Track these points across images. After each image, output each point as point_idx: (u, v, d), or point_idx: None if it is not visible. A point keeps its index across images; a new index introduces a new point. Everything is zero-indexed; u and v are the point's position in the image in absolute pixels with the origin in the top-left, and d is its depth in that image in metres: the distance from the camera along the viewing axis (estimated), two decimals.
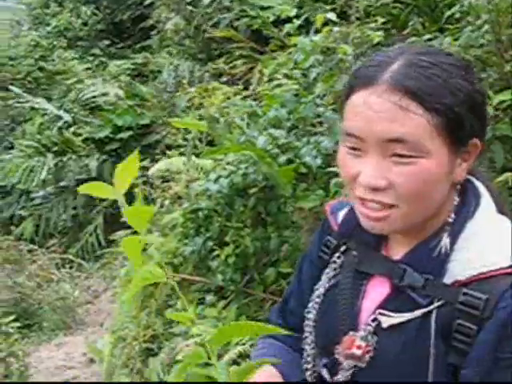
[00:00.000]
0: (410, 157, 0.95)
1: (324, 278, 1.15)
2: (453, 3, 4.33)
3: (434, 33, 3.68)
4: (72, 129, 8.24)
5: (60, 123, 8.42)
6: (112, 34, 10.93)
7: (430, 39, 3.52)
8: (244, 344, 3.26)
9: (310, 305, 1.14)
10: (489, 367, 0.93)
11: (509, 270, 0.95)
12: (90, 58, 10.37)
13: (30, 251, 6.60)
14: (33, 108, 9.05)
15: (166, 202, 4.12)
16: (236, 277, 3.44)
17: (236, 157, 3.47)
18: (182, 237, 3.71)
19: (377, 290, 1.06)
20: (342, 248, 1.14)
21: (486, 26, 2.90)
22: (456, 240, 1.01)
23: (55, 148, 7.90)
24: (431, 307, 0.98)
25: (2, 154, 9.11)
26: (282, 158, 2.97)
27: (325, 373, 1.10)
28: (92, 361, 5.00)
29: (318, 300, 1.14)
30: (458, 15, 3.79)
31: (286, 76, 3.41)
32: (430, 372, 0.96)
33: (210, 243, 3.49)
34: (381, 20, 3.47)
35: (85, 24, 10.85)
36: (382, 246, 1.10)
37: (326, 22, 3.42)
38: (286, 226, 3.36)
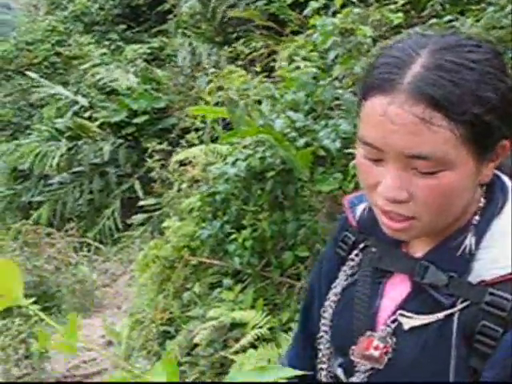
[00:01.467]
0: (433, 172, 0.88)
1: (341, 275, 1.11)
2: None
3: (455, 14, 3.62)
4: (88, 113, 8.27)
5: (76, 108, 8.45)
6: (128, 19, 10.90)
7: (450, 20, 3.46)
8: (261, 327, 3.27)
9: (327, 303, 1.11)
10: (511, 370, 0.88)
11: None
12: (107, 43, 10.36)
13: (48, 235, 6.65)
14: (50, 93, 9.10)
15: (184, 186, 4.13)
16: (253, 260, 3.45)
17: (253, 140, 3.45)
18: (199, 220, 3.72)
19: (396, 289, 1.02)
20: (361, 245, 1.10)
21: (510, 6, 2.84)
22: (482, 238, 0.95)
23: (69, 133, 7.93)
24: (455, 308, 0.93)
25: (20, 139, 9.18)
26: (300, 142, 2.94)
27: (340, 373, 1.06)
28: (110, 343, 5.04)
29: (334, 298, 1.10)
30: None
31: (304, 58, 3.38)
32: (451, 375, 0.92)
33: (228, 227, 3.49)
34: (401, 2, 3.41)
35: (101, 8, 10.84)
36: (402, 243, 1.04)
37: (345, 4, 3.37)
38: (303, 210, 3.34)
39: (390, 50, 0.93)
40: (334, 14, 4.50)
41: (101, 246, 7.09)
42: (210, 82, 4.92)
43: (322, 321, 1.11)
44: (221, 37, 7.50)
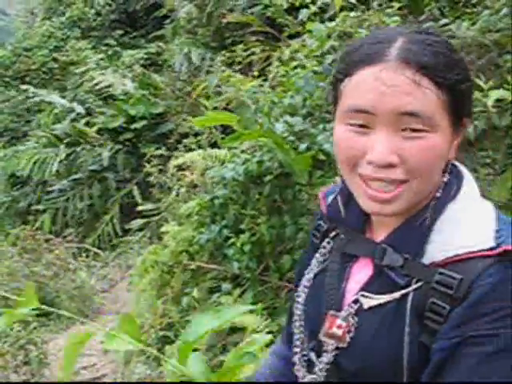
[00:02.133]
0: (422, 131, 0.94)
1: (314, 262, 1.16)
2: None
3: (452, 18, 3.64)
4: (86, 119, 8.27)
5: (72, 115, 8.46)
6: (125, 24, 10.93)
7: (446, 24, 3.47)
8: (260, 331, 3.27)
9: (300, 288, 1.16)
10: (457, 342, 0.92)
11: (487, 253, 0.94)
12: (104, 48, 10.38)
13: (46, 241, 6.65)
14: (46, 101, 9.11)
15: (182, 191, 4.13)
16: (252, 264, 3.45)
17: (251, 145, 3.46)
18: (197, 225, 3.72)
19: (361, 272, 1.07)
20: (332, 234, 1.15)
21: (505, 9, 2.85)
22: (435, 221, 1.00)
23: (68, 139, 7.94)
24: (409, 288, 0.98)
25: (17, 145, 9.18)
26: (302, 146, 2.95)
27: (312, 356, 1.10)
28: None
29: (307, 284, 1.15)
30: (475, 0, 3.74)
31: (300, 63, 3.39)
32: (405, 353, 0.97)
33: (226, 231, 3.49)
34: (397, 5, 3.43)
35: (98, 14, 10.86)
36: (366, 229, 1.10)
37: (343, 7, 3.38)
38: (301, 214, 3.35)
39: (371, 35, 1.03)
40: (330, 18, 4.51)
41: (99, 251, 7.09)
42: (218, 85, 4.91)
43: (296, 305, 1.16)
44: (217, 42, 7.51)
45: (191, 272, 3.78)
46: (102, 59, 9.75)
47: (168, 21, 9.14)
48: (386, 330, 0.99)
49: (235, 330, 3.40)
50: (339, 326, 1.04)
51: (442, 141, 0.96)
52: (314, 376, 1.09)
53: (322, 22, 4.29)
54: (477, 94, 2.86)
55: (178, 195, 4.42)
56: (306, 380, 1.11)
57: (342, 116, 1.00)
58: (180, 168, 4.22)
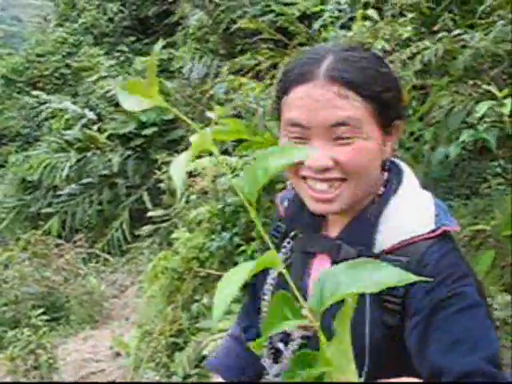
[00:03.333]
0: (351, 138, 1.06)
1: (269, 280, 1.25)
2: None
3: (465, 28, 3.63)
4: (97, 125, 8.32)
5: (84, 121, 8.51)
6: (137, 30, 10.99)
7: (459, 34, 3.47)
8: None
9: (266, 287, 1.24)
10: (428, 312, 1.02)
11: (429, 235, 1.07)
12: (116, 54, 10.44)
13: (57, 246, 6.68)
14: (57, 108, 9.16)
15: (193, 197, 4.14)
16: None
17: (262, 152, 3.46)
18: (208, 232, 3.73)
19: (320, 268, 1.16)
20: (291, 234, 1.24)
21: None
22: (381, 214, 1.12)
23: (78, 144, 7.98)
24: None
25: (29, 150, 9.24)
26: None
27: (280, 345, 1.20)
28: (118, 354, 5.05)
29: (272, 282, 1.24)
30: (488, 9, 3.73)
31: None
32: (367, 331, 1.06)
33: (237, 239, 3.50)
34: (410, 16, 3.43)
35: (111, 20, 10.93)
36: (322, 227, 1.20)
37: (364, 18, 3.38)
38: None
39: (301, 56, 1.16)
40: (342, 27, 4.51)
41: (109, 257, 7.11)
42: (229, 91, 4.92)
43: (263, 303, 1.25)
44: (227, 49, 7.54)
45: (201, 279, 3.79)
46: (113, 65, 9.81)
47: (179, 28, 9.18)
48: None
49: None
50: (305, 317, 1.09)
51: (371, 144, 1.08)
52: (281, 365, 1.19)
53: (334, 29, 4.30)
54: (491, 104, 2.85)
55: (188, 202, 4.43)
56: (273, 370, 1.22)
57: (283, 129, 1.13)
58: (191, 174, 4.23)
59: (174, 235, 4.12)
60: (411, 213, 1.12)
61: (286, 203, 1.28)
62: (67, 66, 10.74)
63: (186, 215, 4.16)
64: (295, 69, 1.12)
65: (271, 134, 3.21)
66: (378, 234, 1.11)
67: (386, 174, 1.17)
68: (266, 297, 1.25)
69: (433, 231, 1.08)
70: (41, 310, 5.29)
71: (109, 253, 7.17)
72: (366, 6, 4.41)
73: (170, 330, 3.95)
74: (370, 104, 1.07)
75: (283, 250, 1.24)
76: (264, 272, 1.25)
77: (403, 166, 1.20)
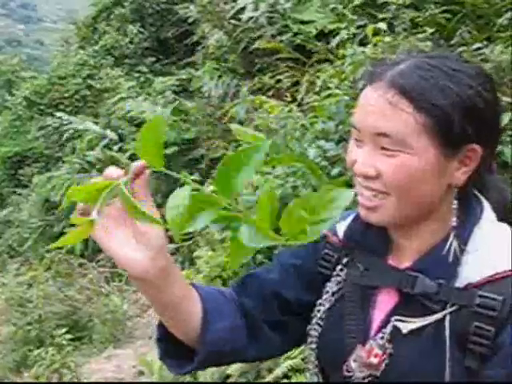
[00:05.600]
0: (394, 151, 0.98)
1: (327, 292, 1.14)
2: (500, 10, 4.27)
3: (482, 41, 3.63)
4: (118, 146, 8.41)
5: (105, 141, 8.61)
6: (157, 51, 11.14)
7: (479, 48, 3.47)
8: (295, 357, 3.25)
9: (314, 321, 1.13)
10: None
11: None
12: (136, 75, 10.58)
13: (80, 265, 6.74)
14: (79, 129, 9.29)
15: None
16: None
17: (283, 170, 3.47)
18: None
19: (386, 300, 1.07)
20: (344, 260, 1.13)
21: None
22: (466, 245, 1.02)
23: (100, 165, 8.07)
24: (445, 312, 0.98)
25: (52, 171, 9.36)
26: (334, 171, 2.96)
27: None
28: (142, 373, 5.05)
29: (322, 315, 1.13)
30: (505, 22, 3.73)
31: (336, 88, 3.41)
32: (447, 376, 0.96)
33: (260, 257, 3.50)
34: (429, 30, 3.44)
35: (131, 42, 11.10)
36: (388, 256, 1.09)
37: (376, 33, 3.40)
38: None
39: (387, 58, 1.09)
40: (360, 43, 4.53)
41: None
42: (249, 110, 4.96)
43: (309, 339, 1.13)
44: (246, 68, 7.60)
45: None
46: (133, 86, 9.94)
47: (199, 48, 9.29)
48: (426, 356, 0.99)
49: None
50: (375, 356, 1.03)
51: (418, 162, 0.97)
52: None
53: (352, 45, 4.32)
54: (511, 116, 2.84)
55: None
56: None
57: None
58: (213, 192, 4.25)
59: (196, 253, 4.13)
60: (498, 245, 1.01)
61: (338, 227, 1.16)
62: (88, 87, 10.90)
63: (208, 234, 4.17)
64: (373, 69, 1.06)
65: (292, 152, 3.23)
66: (462, 265, 1.01)
67: (455, 202, 1.04)
68: (313, 332, 1.13)
69: None
70: (64, 330, 5.32)
71: None
72: (378, 21, 4.43)
73: None
74: (424, 117, 0.96)
75: (337, 279, 1.14)
76: (320, 281, 1.16)
77: (479, 195, 1.10)
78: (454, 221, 1.03)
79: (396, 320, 1.03)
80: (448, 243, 1.02)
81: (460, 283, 0.99)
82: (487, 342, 0.95)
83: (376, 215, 1.03)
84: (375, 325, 1.06)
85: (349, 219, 1.16)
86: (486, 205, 1.08)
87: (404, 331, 1.01)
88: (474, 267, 0.99)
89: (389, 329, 1.03)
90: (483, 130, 1.01)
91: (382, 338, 1.03)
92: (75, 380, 4.55)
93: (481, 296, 0.96)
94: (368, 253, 1.10)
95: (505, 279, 0.97)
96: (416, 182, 0.99)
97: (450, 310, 0.98)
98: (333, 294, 1.13)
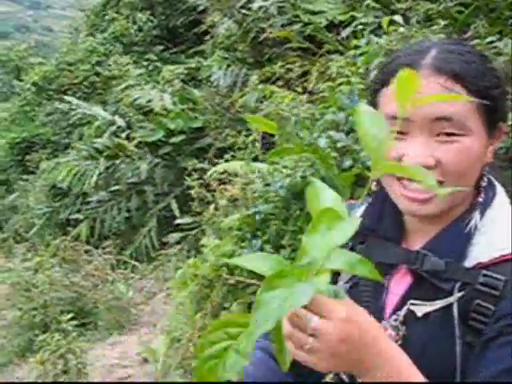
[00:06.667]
0: (456, 135, 0.99)
1: (342, 279, 1.16)
2: None
3: (495, 35, 3.61)
4: (126, 133, 8.41)
5: (113, 128, 8.61)
6: (166, 40, 11.11)
7: (492, 41, 3.44)
8: None
9: None
10: (499, 330, 0.94)
11: None
12: (145, 63, 10.55)
13: (86, 252, 6.75)
14: (88, 114, 9.30)
15: (223, 204, 4.15)
16: None
17: (293, 160, 3.46)
18: (238, 240, 3.73)
19: (399, 283, 1.09)
20: (358, 247, 1.15)
21: None
22: (477, 225, 1.04)
23: (107, 152, 8.07)
24: (457, 293, 1.00)
25: (59, 157, 9.37)
26: (346, 163, 2.95)
27: (345, 377, 1.11)
28: (146, 361, 5.06)
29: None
30: None
31: (347, 78, 3.39)
32: (458, 358, 0.98)
33: (267, 246, 3.49)
34: (442, 22, 3.42)
35: (140, 30, 11.06)
36: (401, 240, 1.12)
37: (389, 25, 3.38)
38: None
39: (406, 48, 1.10)
40: (374, 34, 4.50)
41: (137, 263, 7.15)
42: (259, 100, 4.95)
43: None
44: (256, 58, 7.57)
45: (231, 286, 3.79)
46: (141, 74, 9.92)
47: (208, 37, 9.25)
48: (437, 338, 1.01)
49: None
50: (389, 336, 1.03)
51: (476, 144, 1.01)
52: None
53: (363, 36, 4.29)
54: None
55: (217, 209, 4.45)
56: None
57: (385, 118, 1.05)
58: (221, 182, 4.25)
59: (202, 242, 4.14)
60: (508, 229, 1.03)
61: (355, 214, 1.18)
62: (97, 74, 10.88)
63: (215, 222, 4.17)
64: (397, 59, 1.06)
65: (301, 142, 3.21)
66: (472, 246, 1.03)
67: (485, 180, 1.09)
68: None
69: None
70: (70, 315, 5.34)
71: (137, 259, 7.22)
72: (393, 13, 4.41)
73: (199, 337, 3.95)
74: (477, 100, 1.00)
75: (344, 275, 1.16)
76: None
77: (493, 178, 1.13)
78: (482, 196, 1.07)
79: (411, 304, 1.04)
80: (463, 223, 1.05)
81: (469, 263, 1.02)
82: (486, 319, 0.97)
83: (429, 207, 1.03)
84: (389, 308, 1.08)
85: (361, 209, 1.19)
86: (500, 188, 1.11)
87: (419, 314, 1.03)
88: (484, 248, 1.02)
89: (403, 311, 1.05)
90: (506, 107, 1.08)
91: (396, 320, 1.05)
92: (80, 366, 4.56)
93: (485, 275, 0.99)
94: (382, 239, 1.12)
95: (510, 261, 0.99)
96: (473, 165, 1.03)
97: (459, 294, 1.00)
98: (347, 280, 1.15)
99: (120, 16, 11.36)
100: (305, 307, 0.80)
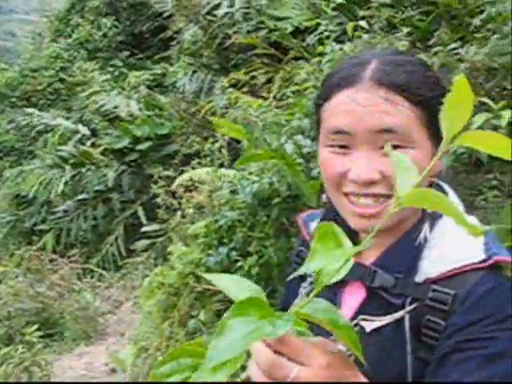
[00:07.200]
0: (400, 147, 0.96)
1: (301, 292, 1.15)
2: (473, 11, 4.32)
3: (457, 42, 3.67)
4: (91, 140, 8.31)
5: (78, 136, 8.50)
6: (131, 45, 11.02)
7: (454, 48, 3.49)
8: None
9: (295, 302, 1.13)
10: (454, 347, 0.93)
11: (480, 265, 0.97)
12: (110, 69, 10.45)
13: (51, 261, 6.63)
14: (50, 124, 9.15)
15: (190, 211, 4.12)
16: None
17: (259, 166, 3.46)
18: (204, 247, 3.70)
19: (353, 297, 1.07)
20: None
21: None
22: (427, 238, 1.02)
23: (73, 160, 7.97)
24: (407, 308, 0.98)
25: (23, 165, 9.20)
26: (314, 172, 2.95)
27: None
28: (114, 371, 5.00)
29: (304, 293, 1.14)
30: (479, 23, 3.77)
31: (313, 86, 3.41)
32: (409, 372, 0.97)
33: (234, 253, 3.48)
34: (405, 30, 3.46)
35: (105, 35, 10.96)
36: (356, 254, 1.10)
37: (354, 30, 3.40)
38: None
39: (346, 61, 1.08)
40: (338, 41, 4.54)
41: (104, 272, 7.06)
42: (224, 106, 4.94)
43: None
44: (221, 64, 7.57)
45: (198, 294, 3.76)
46: (107, 80, 9.81)
47: (174, 42, 9.21)
48: (388, 353, 0.99)
49: None
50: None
51: (421, 155, 0.98)
52: None
53: (324, 44, 4.32)
54: (487, 116, 2.87)
55: (184, 216, 4.41)
56: None
57: (323, 139, 1.04)
58: (187, 189, 4.22)
59: (169, 249, 4.10)
60: (460, 239, 1.00)
61: (311, 226, 1.17)
62: (61, 80, 10.73)
63: (181, 230, 4.14)
64: (337, 73, 1.03)
65: (270, 148, 3.21)
66: (422, 259, 1.01)
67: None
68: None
69: (483, 261, 0.97)
70: (35, 327, 5.23)
71: (104, 268, 7.13)
72: (356, 19, 4.44)
73: (167, 346, 3.91)
74: (419, 110, 0.98)
75: (309, 279, 1.14)
76: (297, 283, 1.16)
77: (447, 187, 1.10)
78: (429, 211, 1.02)
79: (361, 319, 1.03)
80: (412, 237, 1.03)
81: (419, 278, 1.00)
82: (437, 334, 0.96)
83: (378, 221, 0.97)
84: None
85: (319, 218, 1.17)
86: (452, 195, 1.08)
87: (367, 329, 1.02)
88: (433, 262, 1.00)
89: (354, 327, 1.02)
90: None
91: None
92: (45, 378, 4.47)
93: (434, 290, 0.97)
94: None
95: (462, 275, 0.97)
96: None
97: (409, 308, 0.98)
98: (307, 294, 1.13)
99: (84, 21, 11.24)
100: (279, 352, 0.76)
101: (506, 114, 2.70)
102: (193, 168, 4.42)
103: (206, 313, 3.69)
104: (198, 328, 3.76)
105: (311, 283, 1.12)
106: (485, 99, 2.97)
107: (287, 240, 3.42)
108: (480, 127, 2.95)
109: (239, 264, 3.50)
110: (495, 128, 2.96)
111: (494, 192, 3.96)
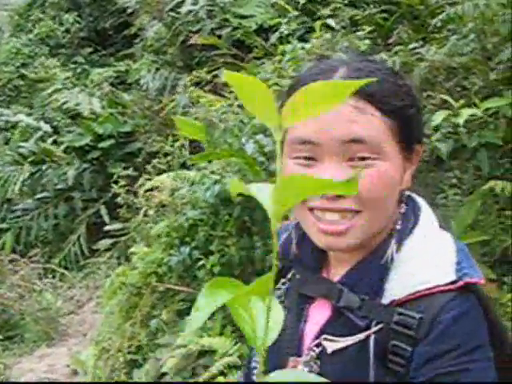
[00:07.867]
0: (370, 159, 0.92)
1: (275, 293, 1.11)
2: (435, 12, 4.38)
3: (418, 41, 3.71)
4: (53, 138, 8.16)
5: (39, 133, 8.34)
6: (94, 42, 10.85)
7: (415, 48, 3.53)
8: (231, 355, 3.23)
9: None
10: (431, 379, 0.89)
11: (448, 287, 0.92)
12: (73, 66, 10.28)
13: (11, 261, 6.49)
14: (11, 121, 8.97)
15: (151, 212, 4.08)
16: None
17: (220, 166, 3.44)
18: (166, 246, 3.67)
19: (319, 313, 1.03)
20: (289, 275, 1.10)
21: (472, 35, 2.91)
22: (393, 259, 0.97)
23: (32, 157, 7.81)
24: (370, 331, 0.95)
25: None
26: (272, 167, 2.94)
27: None
28: (75, 372, 4.91)
29: None
30: (439, 24, 3.82)
31: (275, 84, 3.40)
32: None
33: (196, 252, 3.46)
34: (367, 29, 3.48)
35: (67, 31, 10.76)
36: (322, 268, 1.06)
37: (314, 31, 3.41)
38: (271, 235, 3.33)
39: (314, 66, 1.04)
40: (300, 40, 4.55)
41: (66, 272, 6.94)
42: (187, 105, 4.90)
43: (254, 351, 1.11)
44: (185, 61, 7.52)
45: (160, 294, 3.72)
46: (69, 77, 9.65)
47: (137, 39, 9.11)
48: (350, 375, 0.96)
49: (204, 353, 3.35)
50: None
51: (392, 168, 0.94)
52: None
53: (290, 42, 4.32)
54: (446, 114, 2.91)
55: (146, 216, 4.37)
56: None
57: (288, 150, 0.98)
58: (149, 188, 4.17)
59: (131, 250, 4.05)
60: (429, 259, 0.96)
61: (282, 238, 1.12)
62: (22, 77, 10.51)
63: (144, 229, 4.10)
64: (304, 81, 0.96)
65: (230, 147, 3.19)
66: (388, 281, 0.96)
67: (404, 206, 1.01)
68: None
69: (452, 283, 0.92)
70: None
71: (65, 268, 7.00)
72: (319, 18, 4.46)
73: (129, 346, 3.87)
74: (390, 121, 0.93)
75: (278, 292, 1.09)
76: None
77: (420, 201, 1.05)
78: (399, 224, 0.99)
79: (324, 339, 1.00)
80: (378, 255, 0.98)
81: (386, 300, 0.96)
82: (403, 361, 0.91)
83: (344, 240, 0.95)
84: (308, 338, 1.03)
85: (286, 234, 1.13)
86: (425, 209, 1.03)
87: (329, 350, 0.98)
88: (399, 283, 0.95)
89: (319, 347, 1.00)
90: (421, 127, 1.02)
91: (308, 355, 1.01)
92: (5, 382, 4.38)
93: (399, 313, 0.93)
94: (303, 266, 1.07)
95: (429, 297, 0.93)
96: (389, 191, 0.94)
97: (373, 329, 0.94)
98: (280, 296, 1.10)
99: (46, 17, 11.02)
100: None
101: (465, 112, 2.74)
102: (153, 167, 4.38)
103: (168, 312, 3.66)
104: (161, 328, 3.73)
105: (280, 296, 1.08)
106: (446, 97, 3.01)
107: (249, 239, 3.42)
108: (439, 126, 2.99)
109: (201, 263, 3.48)
110: (455, 126, 3.01)
111: (454, 190, 4.02)
